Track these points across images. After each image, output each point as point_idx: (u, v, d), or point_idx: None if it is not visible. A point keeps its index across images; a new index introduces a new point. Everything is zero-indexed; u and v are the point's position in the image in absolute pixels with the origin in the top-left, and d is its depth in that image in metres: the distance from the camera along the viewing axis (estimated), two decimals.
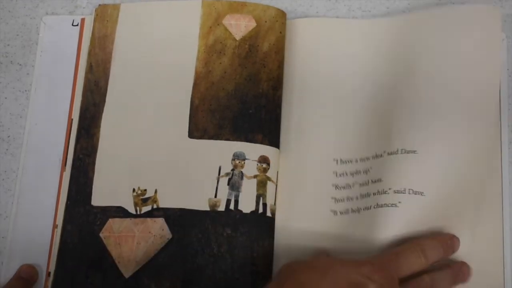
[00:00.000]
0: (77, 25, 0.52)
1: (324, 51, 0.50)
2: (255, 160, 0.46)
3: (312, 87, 0.49)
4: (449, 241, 0.43)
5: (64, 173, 0.47)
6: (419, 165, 0.45)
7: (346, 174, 0.47)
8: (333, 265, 0.38)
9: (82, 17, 0.52)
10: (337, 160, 0.48)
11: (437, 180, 0.45)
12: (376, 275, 0.37)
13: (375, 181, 0.46)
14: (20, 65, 0.52)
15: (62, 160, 0.48)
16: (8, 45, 0.52)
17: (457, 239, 0.43)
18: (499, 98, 0.48)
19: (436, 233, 0.43)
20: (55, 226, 0.46)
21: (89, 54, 0.50)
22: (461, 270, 0.43)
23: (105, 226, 0.45)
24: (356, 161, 0.47)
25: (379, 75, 0.49)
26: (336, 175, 0.47)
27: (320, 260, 0.41)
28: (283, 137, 0.48)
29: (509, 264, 0.45)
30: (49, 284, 0.45)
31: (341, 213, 0.46)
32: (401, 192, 0.44)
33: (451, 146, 0.46)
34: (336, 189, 0.47)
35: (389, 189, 0.44)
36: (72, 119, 0.49)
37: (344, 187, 0.47)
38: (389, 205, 0.44)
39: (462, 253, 0.44)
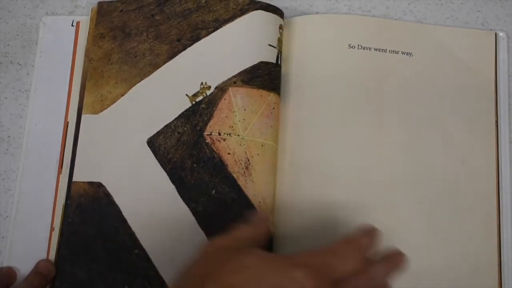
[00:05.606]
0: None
1: (323, 48, 0.50)
2: None
3: (312, 84, 0.49)
4: (375, 233, 0.38)
5: (61, 176, 0.48)
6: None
7: None
8: (263, 268, 0.34)
9: (78, 20, 0.52)
10: None
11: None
12: (309, 282, 0.33)
13: None
14: (20, 65, 0.52)
15: (59, 162, 0.48)
16: (8, 45, 0.53)
17: (378, 231, 0.39)
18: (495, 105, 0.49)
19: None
20: (52, 229, 0.47)
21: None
22: (396, 260, 0.38)
23: None
24: None
25: (378, 72, 0.49)
26: None
27: (251, 257, 0.35)
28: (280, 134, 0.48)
29: (510, 264, 0.45)
30: None
31: None
32: None
33: (448, 145, 0.46)
34: None
35: None
36: (68, 122, 0.49)
37: None
38: None
39: (457, 253, 0.44)
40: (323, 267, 0.34)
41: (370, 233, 0.38)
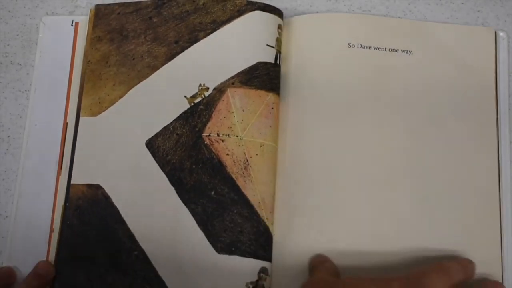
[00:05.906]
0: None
1: (322, 47, 0.50)
2: None
3: (312, 84, 0.49)
4: (469, 265, 0.43)
5: (60, 177, 0.48)
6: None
7: None
8: (364, 283, 0.39)
9: (77, 20, 0.52)
10: None
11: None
12: None
13: None
14: (20, 65, 0.52)
15: (59, 163, 0.48)
16: (8, 45, 0.53)
17: (474, 264, 0.43)
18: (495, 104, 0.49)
19: (456, 256, 0.44)
20: (51, 230, 0.47)
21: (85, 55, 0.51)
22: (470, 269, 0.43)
23: None
24: None
25: (378, 70, 0.49)
26: None
27: (352, 279, 0.41)
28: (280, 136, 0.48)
29: (510, 264, 0.45)
30: None
31: None
32: None
33: (448, 145, 0.47)
34: None
35: None
36: (67, 123, 0.49)
37: None
38: None
39: (459, 253, 0.45)
40: (416, 283, 0.38)
41: (462, 262, 0.42)
